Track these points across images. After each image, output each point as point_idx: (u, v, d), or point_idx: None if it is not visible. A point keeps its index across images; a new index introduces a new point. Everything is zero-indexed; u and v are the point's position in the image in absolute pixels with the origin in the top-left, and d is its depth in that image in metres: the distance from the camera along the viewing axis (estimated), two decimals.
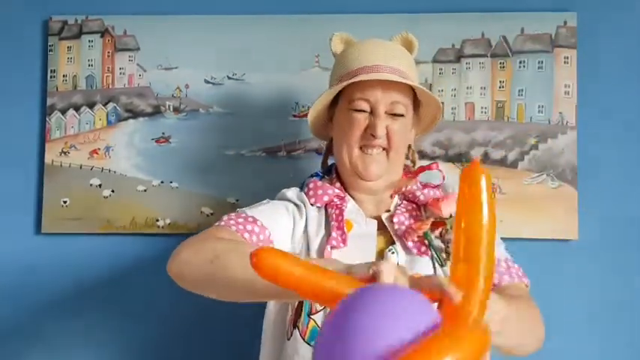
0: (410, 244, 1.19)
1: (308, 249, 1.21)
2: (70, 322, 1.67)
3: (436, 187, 1.29)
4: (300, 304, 1.18)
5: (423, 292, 0.72)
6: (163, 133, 1.70)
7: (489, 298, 0.74)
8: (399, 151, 1.25)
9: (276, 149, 1.67)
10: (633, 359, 1.59)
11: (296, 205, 1.25)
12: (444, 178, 1.30)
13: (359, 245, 1.18)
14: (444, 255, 1.17)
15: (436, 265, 1.17)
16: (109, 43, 1.72)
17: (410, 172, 1.32)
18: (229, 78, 1.69)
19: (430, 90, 1.61)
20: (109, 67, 1.72)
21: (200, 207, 1.66)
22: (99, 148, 1.70)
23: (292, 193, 1.28)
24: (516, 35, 1.64)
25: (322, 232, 1.22)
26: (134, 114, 1.71)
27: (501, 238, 1.28)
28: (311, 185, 1.27)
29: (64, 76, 1.72)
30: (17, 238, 1.69)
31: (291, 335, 1.17)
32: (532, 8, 1.64)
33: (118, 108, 1.71)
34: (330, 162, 1.37)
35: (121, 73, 1.72)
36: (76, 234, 1.68)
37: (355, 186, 1.27)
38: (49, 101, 1.71)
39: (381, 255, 1.20)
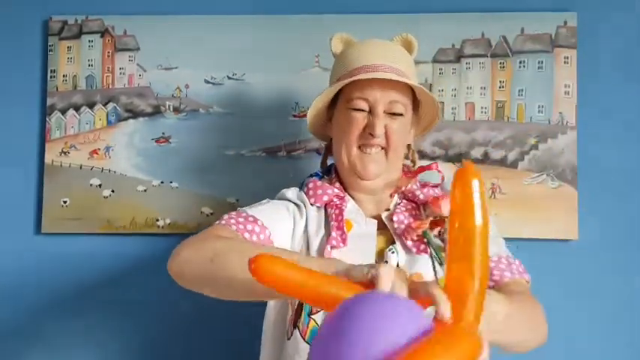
0: (409, 243, 1.19)
1: (308, 249, 1.21)
2: (70, 322, 1.67)
3: (436, 186, 1.29)
4: (301, 304, 1.18)
5: (420, 299, 0.72)
6: (163, 133, 1.70)
7: (488, 298, 0.74)
8: (397, 151, 1.25)
9: (276, 149, 1.67)
10: (633, 359, 1.59)
11: (296, 205, 1.25)
12: (443, 179, 1.31)
13: (359, 245, 1.18)
14: (443, 253, 1.17)
15: (435, 263, 1.17)
16: (109, 43, 1.72)
17: (410, 172, 1.32)
18: (229, 78, 1.69)
19: (430, 90, 1.61)
20: (109, 67, 1.72)
21: (200, 207, 1.66)
22: (99, 148, 1.70)
23: (292, 193, 1.28)
24: (516, 35, 1.65)
25: (322, 232, 1.22)
26: (134, 114, 1.71)
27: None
28: (310, 185, 1.27)
29: (64, 76, 1.72)
30: (17, 238, 1.70)
31: (292, 335, 1.17)
32: (532, 8, 1.64)
33: (118, 108, 1.71)
34: (329, 162, 1.37)
35: (121, 73, 1.72)
36: (76, 234, 1.68)
37: (355, 186, 1.27)
38: (49, 101, 1.71)
39: (381, 255, 1.20)
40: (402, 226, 1.21)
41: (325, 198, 1.25)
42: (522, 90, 1.64)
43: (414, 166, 1.36)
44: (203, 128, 1.69)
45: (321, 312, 1.16)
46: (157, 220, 1.66)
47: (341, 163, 1.26)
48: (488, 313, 0.79)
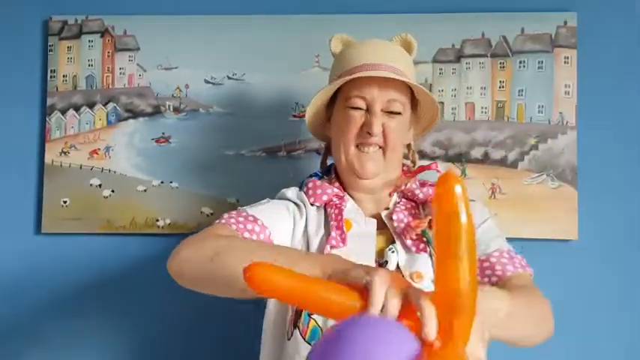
0: (409, 242, 1.19)
1: (308, 249, 1.21)
2: (70, 322, 1.67)
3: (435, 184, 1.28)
4: None
5: (411, 307, 0.72)
6: (163, 133, 1.70)
7: (489, 295, 0.74)
8: (395, 150, 1.25)
9: (276, 149, 1.67)
10: (633, 359, 1.59)
11: (296, 204, 1.26)
12: None
13: (358, 244, 1.18)
14: None
15: (434, 261, 1.16)
16: (109, 43, 1.72)
17: (409, 172, 1.32)
18: (229, 78, 1.70)
19: (430, 90, 1.61)
20: (109, 67, 1.72)
21: (200, 207, 1.66)
22: (99, 148, 1.70)
23: (292, 192, 1.28)
24: (516, 35, 1.65)
25: (322, 231, 1.22)
26: (134, 114, 1.71)
27: None
28: (310, 185, 1.28)
29: (64, 76, 1.72)
30: (17, 238, 1.70)
31: (292, 335, 1.17)
32: (532, 8, 1.64)
33: (118, 108, 1.71)
34: (329, 162, 1.37)
35: (121, 73, 1.72)
36: (76, 234, 1.68)
37: (354, 185, 1.27)
38: (49, 101, 1.71)
39: (381, 254, 1.20)
40: (402, 225, 1.21)
41: (325, 198, 1.25)
42: (522, 90, 1.64)
43: (414, 166, 1.36)
44: (203, 128, 1.69)
45: None
46: (157, 220, 1.66)
47: (339, 162, 1.27)
48: (490, 310, 0.79)
